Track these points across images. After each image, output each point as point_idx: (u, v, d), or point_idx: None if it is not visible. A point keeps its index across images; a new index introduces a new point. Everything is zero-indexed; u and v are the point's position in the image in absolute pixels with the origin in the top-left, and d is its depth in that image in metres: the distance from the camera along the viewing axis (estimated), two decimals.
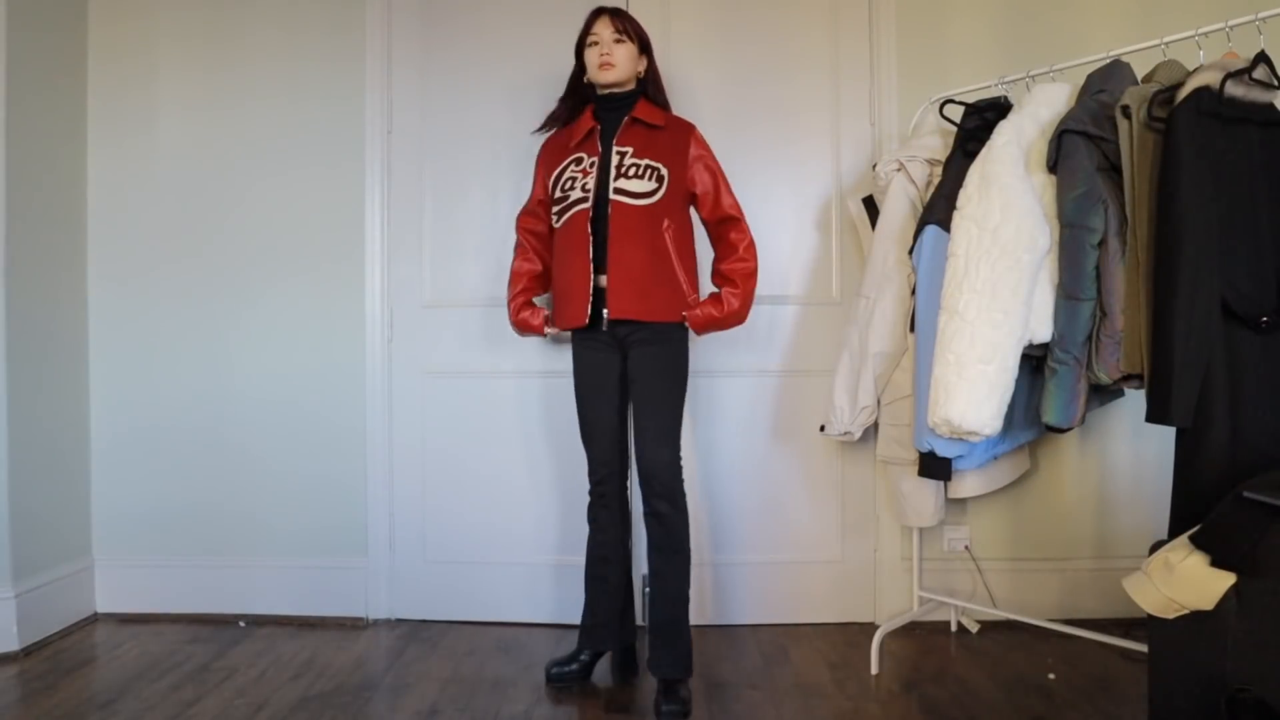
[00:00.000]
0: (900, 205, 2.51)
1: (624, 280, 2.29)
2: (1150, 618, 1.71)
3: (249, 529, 2.97)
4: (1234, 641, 1.58)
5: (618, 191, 2.33)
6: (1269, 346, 1.85)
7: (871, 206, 2.69)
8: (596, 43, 2.40)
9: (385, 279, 2.96)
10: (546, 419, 2.91)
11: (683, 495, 2.34)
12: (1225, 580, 1.59)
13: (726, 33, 2.92)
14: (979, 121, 2.33)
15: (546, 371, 2.90)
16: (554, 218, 2.43)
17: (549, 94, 2.86)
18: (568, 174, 2.40)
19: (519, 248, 2.55)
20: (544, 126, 2.55)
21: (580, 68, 2.47)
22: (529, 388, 2.92)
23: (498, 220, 2.93)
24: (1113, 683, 2.37)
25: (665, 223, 2.34)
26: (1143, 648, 1.91)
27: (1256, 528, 1.57)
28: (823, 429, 2.62)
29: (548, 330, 2.46)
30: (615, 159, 2.36)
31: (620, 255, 2.29)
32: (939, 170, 2.46)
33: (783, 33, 2.91)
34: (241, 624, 2.90)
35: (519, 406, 2.93)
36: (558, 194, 2.41)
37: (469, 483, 2.94)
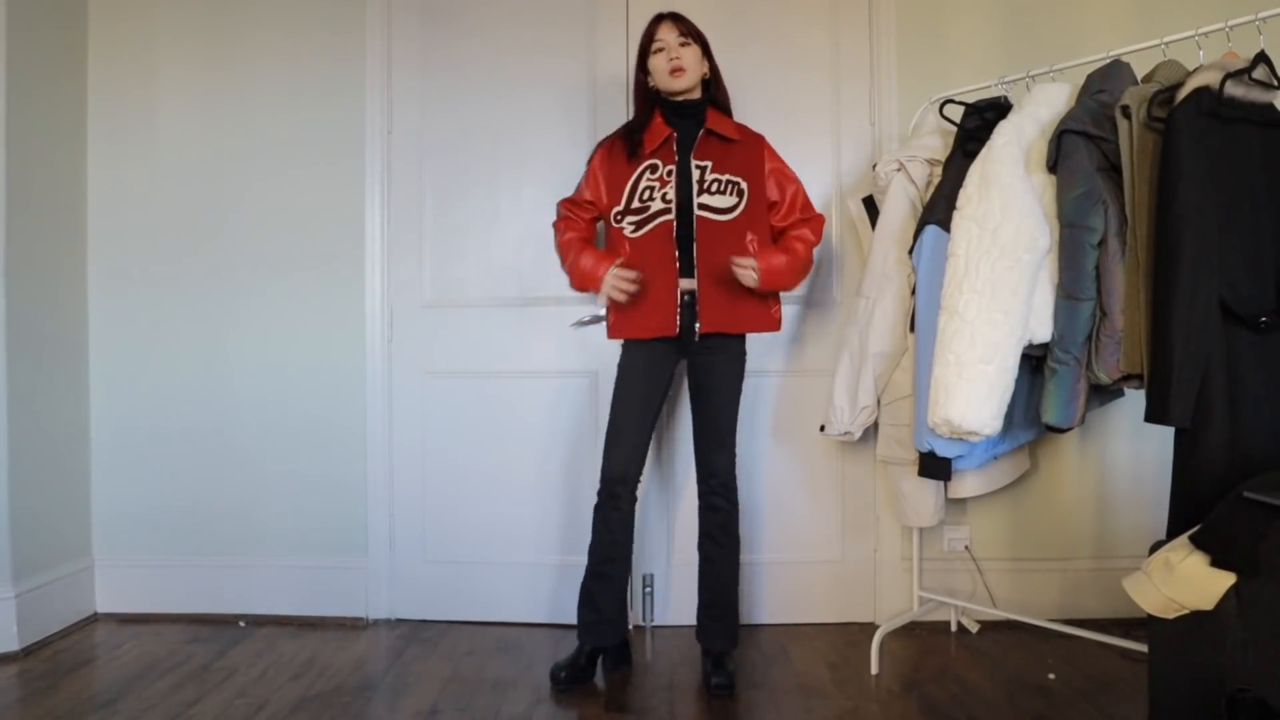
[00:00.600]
0: (900, 205, 2.51)
1: (716, 294, 2.36)
2: (1150, 618, 1.71)
3: (249, 529, 2.97)
4: (1234, 641, 1.58)
5: (702, 207, 2.37)
6: (1268, 346, 1.85)
7: (871, 206, 2.69)
8: (663, 49, 2.39)
9: (385, 279, 2.95)
10: (547, 419, 2.91)
11: (736, 490, 2.48)
12: (1225, 580, 1.59)
13: (726, 32, 2.91)
14: (979, 121, 2.33)
15: (548, 371, 2.90)
16: (628, 226, 2.40)
17: (549, 93, 2.87)
18: (644, 183, 2.39)
19: (567, 222, 2.51)
20: (625, 142, 2.43)
21: (644, 75, 2.44)
22: (530, 387, 2.91)
23: (498, 220, 2.93)
24: (1113, 683, 2.37)
25: (749, 236, 2.40)
26: (1143, 648, 1.91)
27: (1256, 528, 1.57)
28: (823, 429, 2.62)
29: (609, 284, 2.33)
30: (695, 173, 2.38)
31: (710, 270, 2.35)
32: (939, 170, 2.46)
33: (783, 33, 2.91)
34: (241, 624, 2.90)
35: (520, 406, 2.93)
36: (635, 204, 2.40)
37: (469, 483, 2.94)
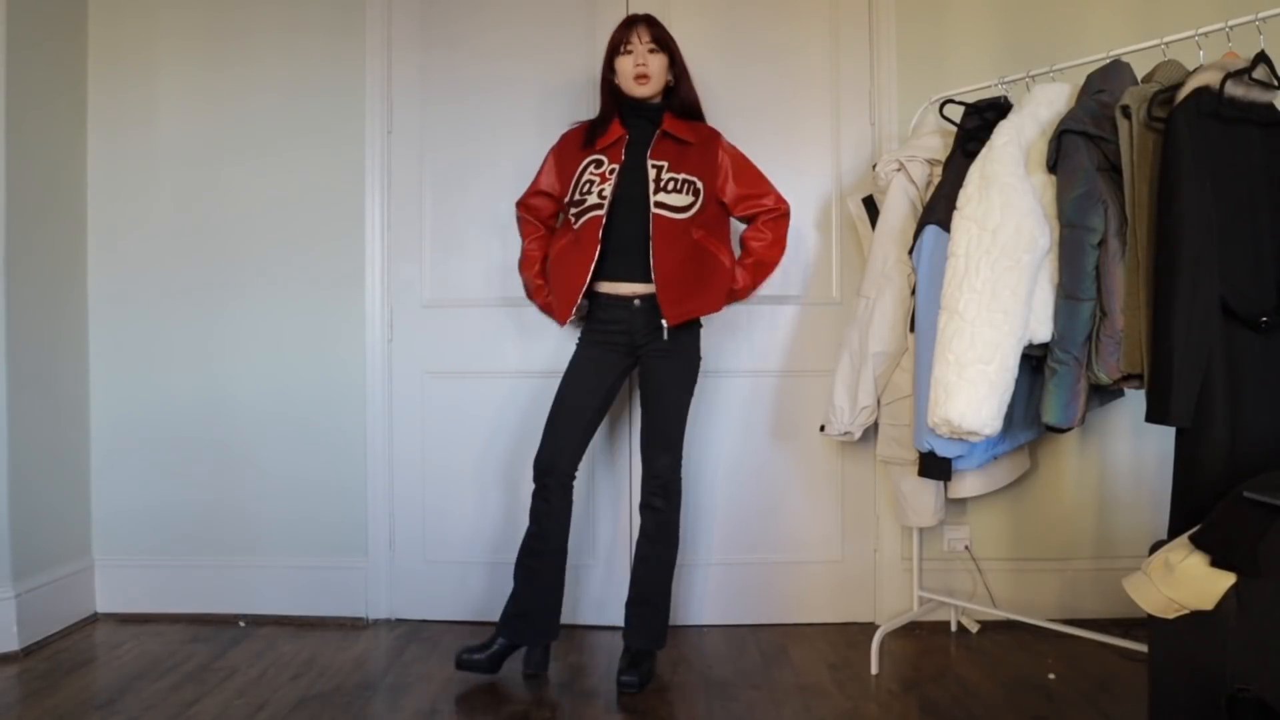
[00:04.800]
0: (900, 205, 2.51)
1: (673, 290, 2.38)
2: (1150, 618, 1.71)
3: (249, 529, 2.97)
4: (1234, 641, 1.58)
5: (659, 205, 2.39)
6: (1269, 346, 1.85)
7: (871, 206, 2.69)
8: (631, 52, 2.42)
9: (385, 279, 2.96)
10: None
11: (679, 493, 2.47)
12: (1225, 580, 1.59)
13: (727, 34, 2.92)
14: (979, 121, 2.33)
15: (547, 371, 2.89)
16: (572, 218, 2.48)
17: (548, 93, 2.87)
18: (586, 176, 2.43)
19: (527, 225, 2.67)
20: (585, 134, 2.52)
21: (610, 73, 2.48)
22: (529, 387, 2.91)
23: (498, 219, 2.93)
24: (1113, 683, 2.37)
25: (696, 232, 2.43)
26: (1143, 648, 1.91)
27: (1256, 528, 1.57)
28: (823, 429, 2.62)
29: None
30: (653, 172, 2.41)
31: (666, 267, 2.38)
32: (939, 170, 2.46)
33: (783, 33, 2.91)
34: (241, 624, 2.90)
35: (519, 406, 2.93)
36: (576, 195, 2.45)
37: (469, 483, 2.94)
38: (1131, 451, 2.83)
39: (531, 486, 2.97)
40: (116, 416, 2.99)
